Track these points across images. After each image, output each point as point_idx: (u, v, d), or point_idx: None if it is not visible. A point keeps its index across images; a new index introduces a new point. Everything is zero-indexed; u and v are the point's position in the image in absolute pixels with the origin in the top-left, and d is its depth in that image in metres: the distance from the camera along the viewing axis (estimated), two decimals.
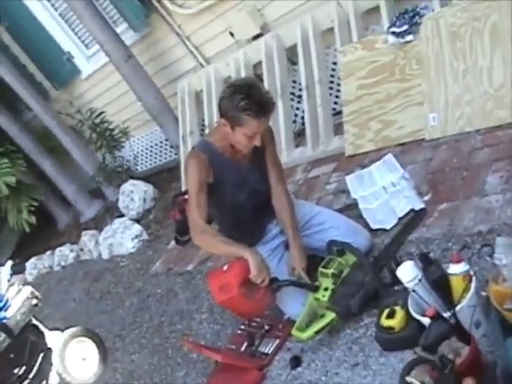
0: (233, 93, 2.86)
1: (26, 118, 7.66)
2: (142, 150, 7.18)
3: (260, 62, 5.27)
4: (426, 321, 2.43)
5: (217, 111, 3.10)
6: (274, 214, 3.27)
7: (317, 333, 2.98)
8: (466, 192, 3.28)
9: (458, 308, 2.34)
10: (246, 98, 2.82)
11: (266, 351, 3.22)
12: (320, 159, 4.72)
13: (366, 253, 3.26)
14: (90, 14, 5.80)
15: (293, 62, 5.29)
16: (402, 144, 4.10)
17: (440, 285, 2.50)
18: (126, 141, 6.75)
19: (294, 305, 3.18)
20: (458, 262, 2.47)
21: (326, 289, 3.01)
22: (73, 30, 6.88)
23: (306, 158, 4.85)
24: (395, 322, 2.64)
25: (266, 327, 3.32)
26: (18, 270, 6.15)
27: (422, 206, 3.39)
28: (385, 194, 3.52)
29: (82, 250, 6.46)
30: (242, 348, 3.33)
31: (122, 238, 5.82)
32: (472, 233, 2.98)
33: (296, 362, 3.02)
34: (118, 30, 6.23)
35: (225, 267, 2.96)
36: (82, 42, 6.91)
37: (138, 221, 6.04)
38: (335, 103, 5.20)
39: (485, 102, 3.67)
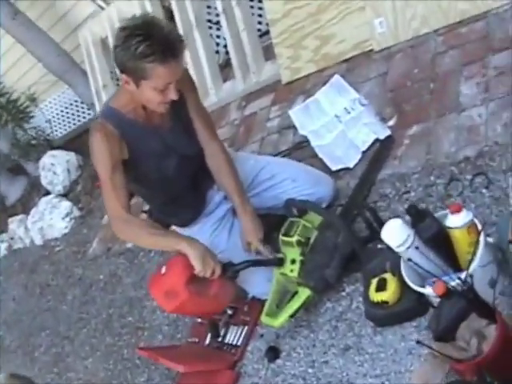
0: (127, 37, 2.17)
1: None
2: (56, 115, 6.43)
3: None
4: (429, 292, 1.90)
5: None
6: (212, 178, 2.65)
7: (292, 316, 2.43)
8: (438, 108, 2.73)
9: (469, 272, 1.79)
10: (145, 39, 2.14)
11: (234, 342, 2.70)
12: (254, 92, 4.13)
13: (331, 203, 2.71)
14: None
15: None
16: (348, 60, 3.50)
17: (439, 243, 1.97)
18: (35, 108, 6.01)
19: (257, 282, 2.64)
20: (458, 210, 1.90)
21: (293, 261, 2.44)
22: None
23: (238, 93, 4.26)
24: (388, 295, 2.12)
25: (230, 312, 2.77)
26: None
27: (388, 133, 2.82)
28: (339, 123, 3.01)
29: (12, 238, 5.78)
30: (207, 341, 2.82)
31: (51, 219, 5.18)
32: (457, 160, 2.44)
33: (273, 353, 2.50)
34: None
35: (163, 269, 2.35)
36: None
37: (66, 195, 5.39)
38: (259, 23, 4.59)
39: None
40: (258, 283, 2.62)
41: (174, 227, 2.82)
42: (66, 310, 4.23)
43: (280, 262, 2.47)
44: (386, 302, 2.11)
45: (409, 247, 1.92)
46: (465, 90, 2.67)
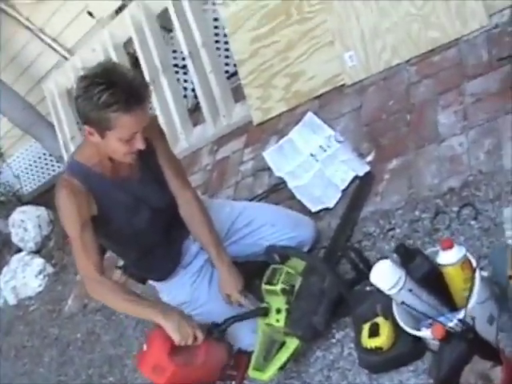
0: (88, 87, 2.04)
1: None
2: (24, 169, 6.26)
3: (130, 39, 4.48)
4: (426, 335, 1.78)
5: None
6: (187, 227, 2.53)
7: (281, 368, 2.29)
8: (416, 140, 2.64)
9: (468, 310, 1.67)
10: (107, 88, 2.01)
11: None
12: (226, 135, 4.02)
13: (313, 246, 2.60)
14: None
15: (168, 29, 4.58)
16: (320, 96, 3.41)
17: (431, 282, 1.87)
18: (2, 164, 5.86)
19: (242, 335, 2.49)
20: (450, 246, 1.80)
21: (278, 310, 2.30)
22: None
23: (209, 137, 4.15)
24: (382, 341, 1.99)
25: None
26: None
27: (367, 169, 2.73)
28: (315, 162, 2.96)
29: None
30: None
31: (24, 277, 4.97)
32: (441, 192, 2.35)
33: None
34: None
35: (144, 347, 2.25)
36: None
37: (38, 252, 5.20)
38: (227, 64, 4.51)
39: (409, 24, 3.01)
40: (243, 336, 2.48)
41: (151, 282, 2.68)
42: (44, 373, 4.02)
43: (264, 312, 2.34)
44: (381, 348, 1.98)
45: (401, 289, 1.81)
46: (443, 120, 2.59)
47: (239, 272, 2.44)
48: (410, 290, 1.79)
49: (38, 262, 4.98)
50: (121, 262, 2.83)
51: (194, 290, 2.54)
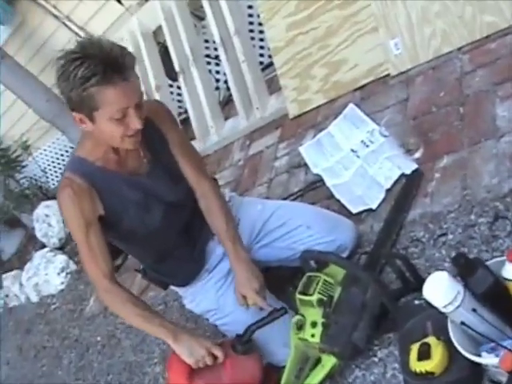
0: (64, 65, 1.83)
1: None
2: (51, 163, 6.11)
3: (160, 27, 4.30)
4: (490, 362, 1.52)
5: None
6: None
7: None
8: (471, 135, 2.36)
9: None
10: (82, 62, 1.80)
11: None
12: (259, 129, 3.80)
13: (353, 251, 2.35)
14: None
15: (199, 17, 4.37)
16: (362, 87, 3.15)
17: (495, 299, 1.58)
18: (28, 157, 5.72)
19: (273, 348, 2.25)
20: None
21: (313, 324, 2.05)
22: None
23: (241, 131, 3.93)
24: (434, 365, 1.71)
25: None
26: None
27: (415, 166, 2.45)
28: (356, 159, 2.73)
29: (7, 295, 5.44)
30: None
31: (46, 274, 4.84)
32: (501, 194, 2.07)
33: None
34: None
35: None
36: None
37: (61, 248, 5.05)
38: (261, 55, 4.28)
39: (461, 8, 2.72)
40: (275, 350, 2.24)
41: (173, 287, 2.46)
42: (62, 376, 3.86)
43: (284, 312, 2.10)
44: (432, 373, 1.71)
45: (458, 306, 1.55)
46: (501, 113, 2.31)
47: (259, 271, 2.19)
48: (473, 310, 1.52)
49: (61, 258, 4.85)
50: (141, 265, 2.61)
51: (220, 297, 2.31)
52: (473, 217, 2.08)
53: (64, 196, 2.03)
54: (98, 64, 1.80)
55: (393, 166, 2.49)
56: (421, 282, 1.73)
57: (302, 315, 2.09)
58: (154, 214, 2.16)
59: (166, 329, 2.04)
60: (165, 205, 2.18)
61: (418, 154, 2.51)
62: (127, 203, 2.11)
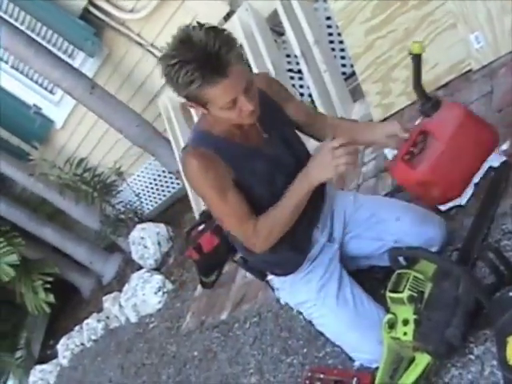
0: (166, 68, 1.87)
1: (17, 191, 6.93)
2: (144, 188, 6.27)
3: (241, 45, 4.29)
4: None
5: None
6: (318, 214, 2.33)
7: None
8: None
9: None
10: (181, 67, 1.82)
11: None
12: None
13: (443, 248, 2.29)
14: (33, 53, 4.88)
15: (279, 32, 4.39)
16: (445, 85, 3.10)
17: None
18: (122, 182, 5.89)
19: (365, 346, 2.22)
20: None
21: (405, 321, 2.01)
22: (30, 78, 5.95)
23: None
24: None
25: None
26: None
27: (503, 158, 2.37)
28: None
29: (108, 317, 5.60)
30: None
31: (143, 294, 4.96)
32: None
33: None
34: (77, 61, 5.35)
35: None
36: (45, 88, 5.95)
37: (158, 269, 5.18)
38: (343, 66, 4.26)
39: None
40: (367, 347, 2.21)
41: (270, 277, 2.42)
42: None
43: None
44: None
45: None
46: None
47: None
48: None
49: (158, 278, 4.96)
50: (237, 255, 2.54)
51: (322, 287, 2.29)
52: None
53: (193, 165, 2.03)
54: (198, 69, 1.81)
55: None
56: None
57: (394, 314, 2.05)
58: (279, 186, 2.14)
59: (299, 182, 2.08)
60: (288, 175, 2.14)
61: (505, 146, 2.43)
62: (255, 174, 2.12)
